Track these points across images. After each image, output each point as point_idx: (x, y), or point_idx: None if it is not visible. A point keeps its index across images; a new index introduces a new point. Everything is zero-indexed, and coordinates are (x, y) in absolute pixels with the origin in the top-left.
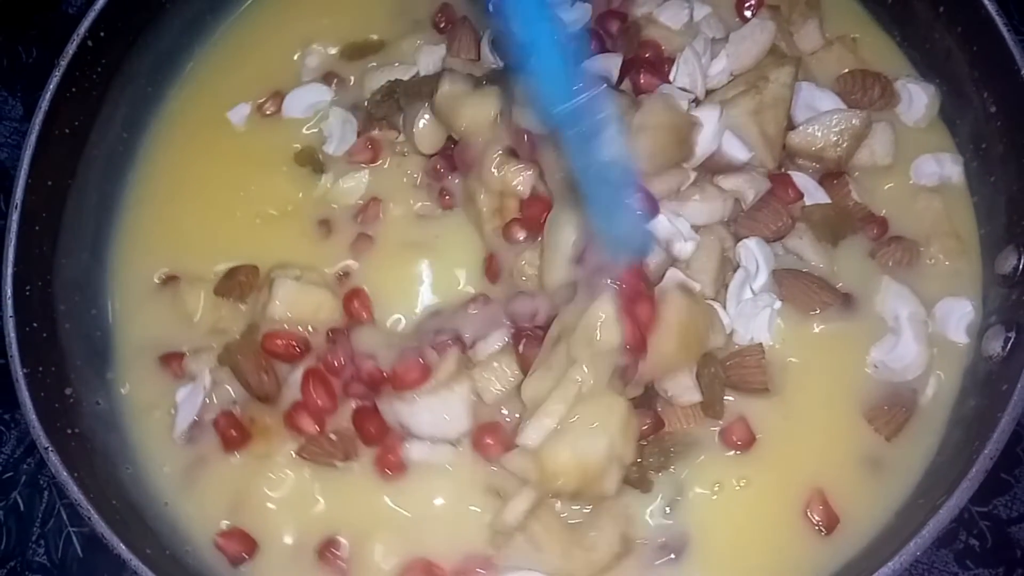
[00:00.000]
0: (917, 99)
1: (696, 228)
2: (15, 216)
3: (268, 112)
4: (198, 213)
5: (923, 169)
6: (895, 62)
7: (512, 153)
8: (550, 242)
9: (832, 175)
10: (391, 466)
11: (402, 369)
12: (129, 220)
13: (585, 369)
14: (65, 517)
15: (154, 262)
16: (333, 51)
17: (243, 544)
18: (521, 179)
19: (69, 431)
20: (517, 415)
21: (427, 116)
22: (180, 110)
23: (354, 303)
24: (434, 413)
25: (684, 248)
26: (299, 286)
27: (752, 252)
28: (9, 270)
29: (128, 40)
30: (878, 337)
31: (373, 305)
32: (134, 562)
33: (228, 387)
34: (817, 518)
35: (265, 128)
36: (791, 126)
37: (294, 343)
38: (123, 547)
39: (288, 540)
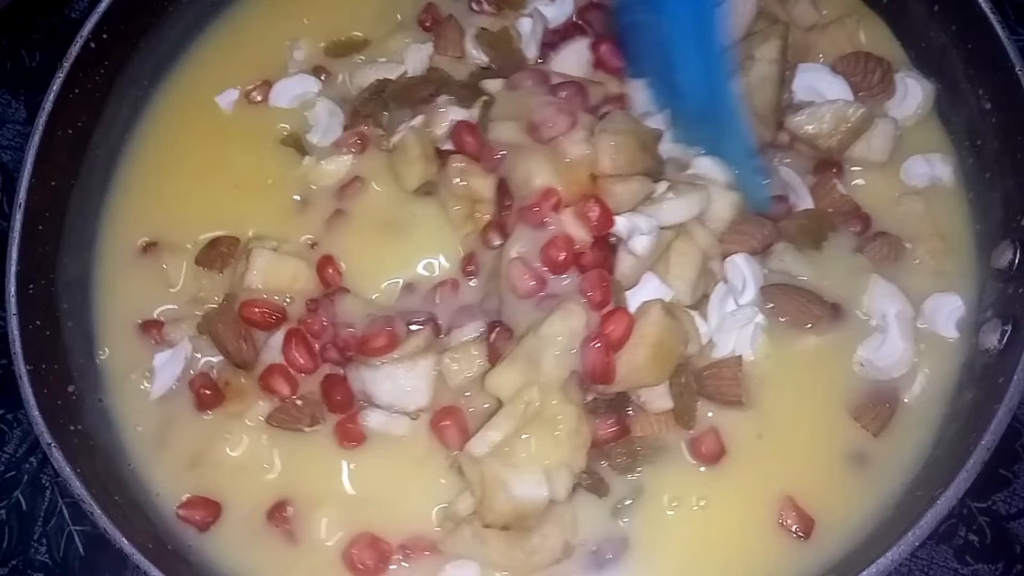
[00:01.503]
0: (912, 94)
1: (677, 228)
2: (19, 215)
3: (256, 100)
4: (179, 186)
5: (914, 170)
6: (894, 54)
7: (474, 160)
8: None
9: (827, 164)
10: (350, 435)
11: (371, 334)
12: (117, 196)
13: (536, 391)
14: (67, 516)
15: (136, 231)
16: (320, 46)
17: (207, 509)
18: (485, 184)
19: (72, 428)
20: (486, 405)
21: (416, 151)
22: (173, 96)
23: (327, 270)
24: (396, 382)
25: (641, 242)
26: (276, 256)
27: (739, 268)
28: (13, 268)
29: (131, 43)
30: (865, 336)
31: (350, 280)
32: (136, 556)
33: (207, 355)
34: (793, 525)
35: (251, 113)
36: (792, 103)
37: (271, 312)
38: (125, 542)
39: (247, 502)
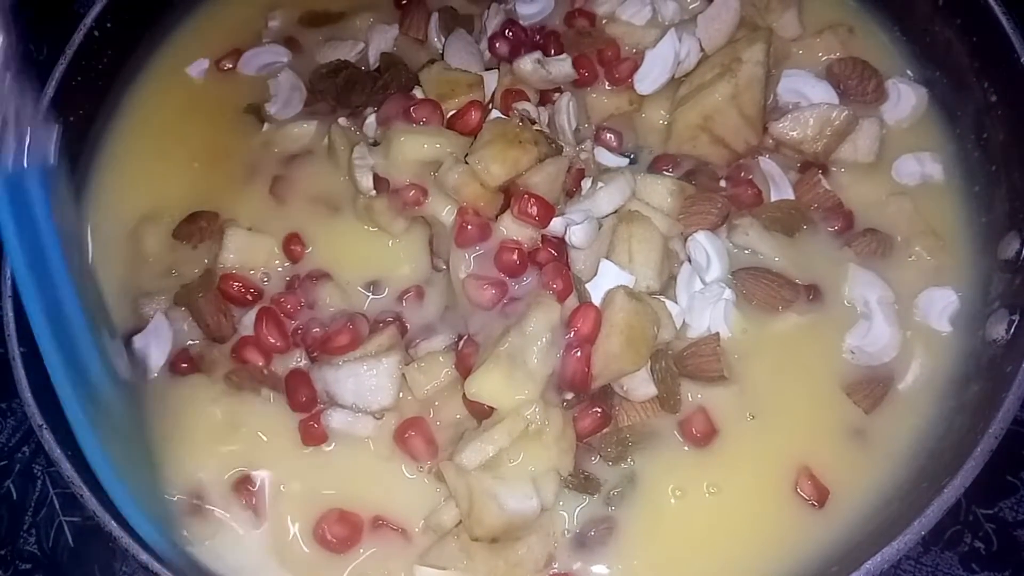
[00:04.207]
0: (905, 99)
1: (627, 215)
2: None
3: (226, 68)
4: (150, 158)
5: (904, 168)
6: (887, 59)
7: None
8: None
9: (813, 165)
10: (312, 434)
11: (333, 332)
12: (101, 170)
13: (537, 410)
14: (58, 506)
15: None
16: (297, 16)
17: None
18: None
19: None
20: (458, 416)
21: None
22: (153, 69)
23: (292, 245)
24: (359, 380)
25: (577, 233)
26: (250, 236)
27: (701, 245)
28: None
29: (135, 32)
30: (851, 324)
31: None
32: (125, 540)
33: (180, 327)
34: (808, 494)
35: (220, 81)
36: (777, 107)
37: (248, 288)
38: (114, 524)
39: (213, 476)
